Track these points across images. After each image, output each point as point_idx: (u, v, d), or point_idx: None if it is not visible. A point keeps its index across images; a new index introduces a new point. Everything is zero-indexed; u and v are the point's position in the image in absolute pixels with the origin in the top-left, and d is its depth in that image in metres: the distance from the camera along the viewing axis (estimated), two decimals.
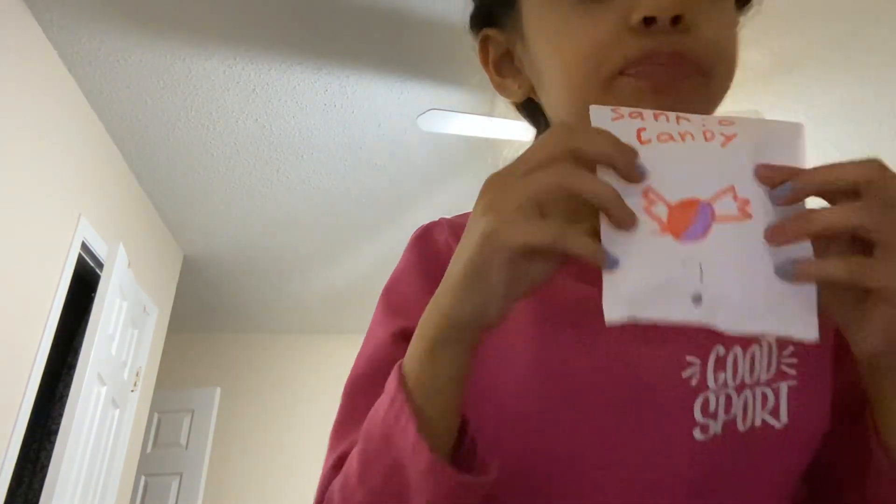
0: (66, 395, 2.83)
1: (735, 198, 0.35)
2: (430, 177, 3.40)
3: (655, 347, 0.46)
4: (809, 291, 0.34)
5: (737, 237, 0.34)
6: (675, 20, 0.42)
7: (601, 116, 0.38)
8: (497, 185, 0.36)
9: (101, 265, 3.13)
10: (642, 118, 0.38)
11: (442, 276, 0.41)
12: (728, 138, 0.37)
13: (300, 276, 4.47)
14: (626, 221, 0.34)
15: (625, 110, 0.38)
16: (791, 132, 0.38)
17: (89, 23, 2.60)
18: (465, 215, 0.53)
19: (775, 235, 0.34)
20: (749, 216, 0.35)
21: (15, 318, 2.59)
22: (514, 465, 0.45)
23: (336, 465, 0.48)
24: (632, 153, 0.35)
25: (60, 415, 2.80)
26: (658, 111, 0.38)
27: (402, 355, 0.43)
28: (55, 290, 2.83)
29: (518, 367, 0.47)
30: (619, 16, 0.43)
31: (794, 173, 0.35)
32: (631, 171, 0.35)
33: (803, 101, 2.98)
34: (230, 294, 4.74)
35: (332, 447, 0.51)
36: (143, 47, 2.70)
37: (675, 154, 0.36)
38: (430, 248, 0.55)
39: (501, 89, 0.56)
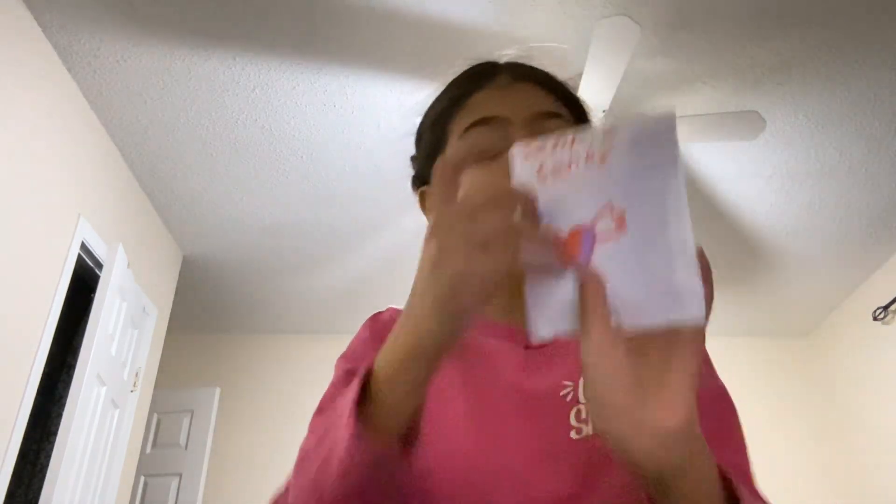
0: (66, 396, 2.83)
1: (612, 212, 0.40)
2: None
3: (542, 377, 0.63)
4: (690, 279, 0.38)
5: (615, 254, 0.40)
6: None
7: (518, 158, 0.44)
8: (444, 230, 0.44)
9: (100, 265, 3.13)
10: (544, 151, 0.43)
11: (385, 333, 0.57)
12: (605, 153, 0.41)
13: (300, 276, 4.47)
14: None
15: (532, 147, 0.44)
16: (664, 124, 0.41)
17: (89, 23, 2.60)
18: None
19: None
20: (624, 229, 0.40)
21: (15, 318, 2.58)
22: (445, 467, 0.58)
23: None
24: (527, 208, 0.43)
25: (60, 415, 2.80)
26: (558, 137, 0.44)
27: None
28: (55, 290, 2.83)
29: (454, 401, 0.62)
30: (499, 171, 0.59)
31: None
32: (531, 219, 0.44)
33: (804, 102, 2.98)
34: (230, 294, 4.74)
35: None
36: (142, 47, 2.70)
37: (564, 186, 0.42)
38: (380, 325, 0.71)
39: None
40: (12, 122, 2.52)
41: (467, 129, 0.69)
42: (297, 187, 3.56)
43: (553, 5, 2.55)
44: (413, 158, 0.81)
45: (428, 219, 0.75)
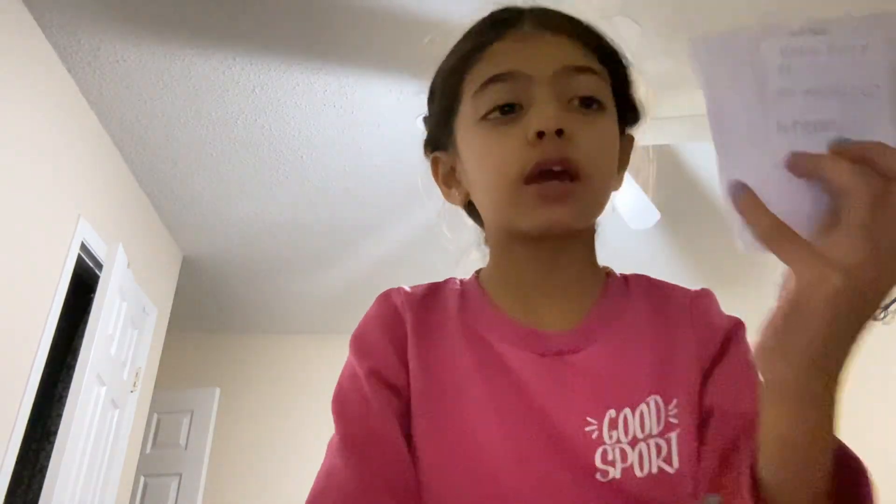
0: (66, 396, 2.83)
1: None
2: (430, 177, 3.39)
3: (563, 399, 0.58)
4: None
5: None
6: (559, 133, 0.57)
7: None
8: None
9: (100, 265, 3.13)
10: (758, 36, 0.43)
11: (398, 329, 0.63)
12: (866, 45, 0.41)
13: (300, 276, 4.46)
14: None
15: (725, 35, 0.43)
16: None
17: (89, 23, 2.60)
18: (420, 286, 0.69)
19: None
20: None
21: (14, 318, 2.58)
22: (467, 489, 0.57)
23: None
24: None
25: (60, 415, 2.80)
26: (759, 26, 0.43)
27: (372, 390, 0.60)
28: (55, 290, 2.83)
29: (482, 416, 0.59)
30: (520, 134, 0.59)
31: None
32: None
33: None
34: (229, 294, 4.74)
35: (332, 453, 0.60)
36: (142, 48, 2.70)
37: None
38: (391, 311, 0.67)
39: (448, 197, 0.71)
40: (12, 122, 2.52)
41: (482, 87, 0.62)
42: (297, 187, 3.56)
43: (553, 6, 2.55)
44: (425, 119, 0.74)
45: (441, 188, 0.71)
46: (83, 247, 3.03)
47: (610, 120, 0.63)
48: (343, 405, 0.61)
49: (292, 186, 3.56)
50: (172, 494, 4.36)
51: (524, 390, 0.59)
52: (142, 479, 4.25)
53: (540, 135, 0.57)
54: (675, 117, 2.52)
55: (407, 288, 0.69)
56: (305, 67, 2.80)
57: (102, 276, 3.03)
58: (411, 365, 0.62)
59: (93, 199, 3.11)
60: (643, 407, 0.58)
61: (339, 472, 0.56)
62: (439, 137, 0.70)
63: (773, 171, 0.40)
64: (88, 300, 3.04)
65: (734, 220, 0.40)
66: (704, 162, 3.32)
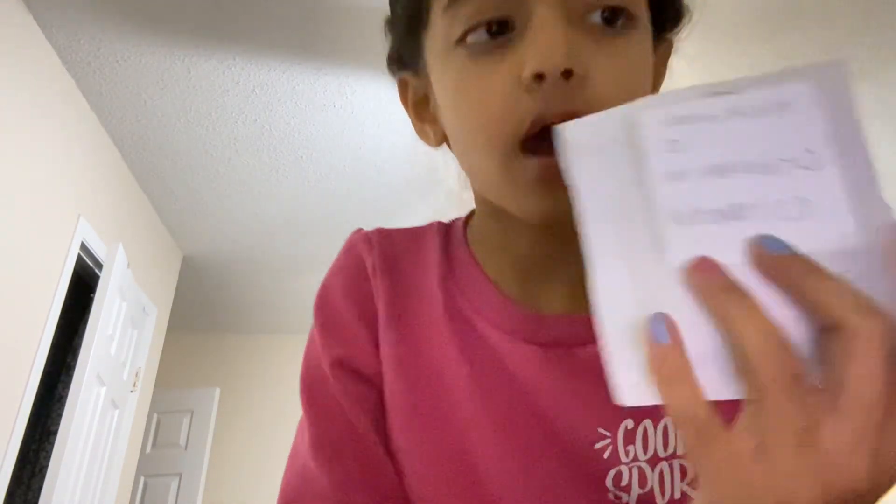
0: (66, 396, 2.83)
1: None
2: (430, 177, 3.40)
3: (567, 399, 0.46)
4: None
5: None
6: (567, 74, 0.39)
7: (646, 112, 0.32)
8: None
9: (100, 265, 3.13)
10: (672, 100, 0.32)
11: (367, 303, 0.51)
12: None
13: (300, 276, 4.46)
14: None
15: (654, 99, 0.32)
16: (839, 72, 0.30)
17: (89, 23, 2.60)
18: (395, 233, 0.56)
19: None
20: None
21: (14, 318, 2.58)
22: None
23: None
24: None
25: (60, 415, 2.80)
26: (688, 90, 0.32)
27: (341, 386, 0.49)
28: (54, 290, 2.83)
29: (475, 421, 0.47)
30: (511, 73, 0.41)
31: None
32: None
33: None
34: (230, 294, 4.74)
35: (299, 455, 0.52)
36: (142, 48, 2.70)
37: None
38: (359, 267, 0.54)
39: (420, 133, 0.54)
40: (12, 122, 2.52)
41: None
42: (297, 187, 3.56)
43: None
44: (387, 23, 0.57)
45: (411, 119, 0.54)
46: (83, 247, 3.03)
47: (643, 36, 0.44)
48: (312, 397, 0.52)
49: (292, 186, 3.56)
50: (172, 494, 4.36)
51: (523, 394, 0.47)
52: (142, 479, 4.26)
53: (539, 77, 0.39)
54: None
55: (378, 235, 0.56)
56: (305, 67, 2.80)
57: (102, 276, 3.03)
58: (383, 351, 0.50)
59: (93, 199, 3.11)
60: (667, 420, 0.45)
61: (315, 479, 0.48)
62: (405, 53, 0.53)
63: (674, 287, 0.29)
64: (88, 300, 3.04)
65: (625, 368, 0.29)
66: None
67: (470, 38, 0.43)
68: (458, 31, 0.43)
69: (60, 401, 3.24)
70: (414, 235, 0.56)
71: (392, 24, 0.55)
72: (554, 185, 0.39)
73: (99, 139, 3.13)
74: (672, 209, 0.30)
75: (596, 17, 0.41)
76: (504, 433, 0.47)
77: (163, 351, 4.05)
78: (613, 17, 0.42)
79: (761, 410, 0.26)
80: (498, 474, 0.46)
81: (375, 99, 2.96)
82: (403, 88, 0.54)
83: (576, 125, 0.32)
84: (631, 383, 0.29)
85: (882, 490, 0.26)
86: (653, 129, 0.31)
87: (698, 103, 0.30)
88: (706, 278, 0.28)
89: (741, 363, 0.27)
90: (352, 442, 0.49)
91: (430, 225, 0.57)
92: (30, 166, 2.64)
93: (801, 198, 0.29)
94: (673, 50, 0.53)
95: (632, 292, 0.30)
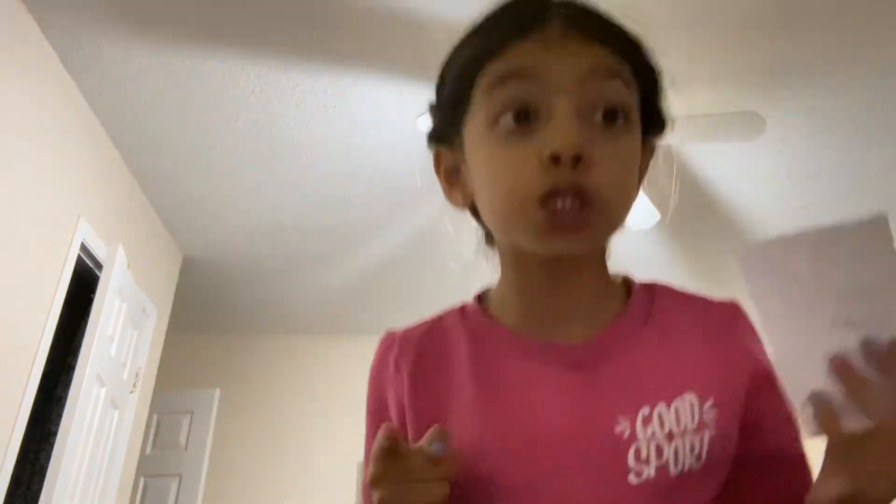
0: (66, 397, 2.82)
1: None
2: (430, 178, 3.39)
3: (590, 406, 0.57)
4: None
5: None
6: (577, 160, 0.53)
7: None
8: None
9: (100, 266, 3.13)
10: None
11: (385, 403, 0.65)
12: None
13: (300, 276, 4.46)
14: None
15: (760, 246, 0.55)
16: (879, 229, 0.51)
17: (89, 24, 2.60)
18: (417, 328, 0.68)
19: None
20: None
21: (14, 318, 2.58)
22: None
23: None
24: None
25: (60, 416, 2.80)
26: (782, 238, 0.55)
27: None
28: (54, 291, 2.83)
29: (469, 437, 0.57)
30: (535, 152, 0.54)
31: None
32: None
33: (804, 103, 2.98)
34: (230, 294, 4.74)
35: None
36: (142, 48, 2.70)
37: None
38: (386, 365, 0.67)
39: (449, 196, 0.67)
40: (12, 123, 2.52)
41: (498, 82, 0.57)
42: (297, 188, 3.56)
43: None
44: (431, 108, 0.68)
45: (442, 184, 0.67)
46: (83, 247, 3.03)
47: (635, 136, 0.59)
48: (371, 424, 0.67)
49: (292, 187, 3.56)
50: (172, 495, 4.36)
51: (538, 402, 0.58)
52: (142, 479, 4.25)
53: (556, 158, 0.53)
54: (675, 118, 2.51)
55: (400, 331, 0.69)
56: (305, 68, 2.80)
57: (102, 276, 3.03)
58: (408, 416, 0.62)
59: (93, 199, 3.11)
60: (678, 402, 0.56)
61: None
62: (445, 131, 0.65)
63: (819, 361, 0.49)
64: (88, 300, 3.04)
65: (807, 422, 0.50)
66: (704, 162, 3.32)
67: (502, 120, 0.57)
68: (493, 112, 0.57)
69: (60, 401, 3.24)
70: (430, 326, 0.69)
71: (435, 108, 0.67)
72: (557, 228, 0.55)
73: (99, 139, 3.13)
74: (832, 316, 0.49)
75: (600, 115, 0.56)
76: (527, 443, 0.56)
77: (163, 351, 4.05)
78: (614, 115, 0.56)
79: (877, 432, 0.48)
80: (520, 483, 0.56)
81: (375, 100, 2.96)
82: (438, 160, 0.67)
83: (753, 252, 0.53)
84: (805, 420, 0.50)
85: None
86: (802, 262, 0.51)
87: (823, 247, 0.50)
88: (842, 366, 0.49)
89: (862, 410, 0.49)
90: None
91: (445, 313, 0.69)
92: (30, 167, 2.64)
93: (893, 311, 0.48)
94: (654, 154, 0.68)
95: (801, 365, 0.50)
